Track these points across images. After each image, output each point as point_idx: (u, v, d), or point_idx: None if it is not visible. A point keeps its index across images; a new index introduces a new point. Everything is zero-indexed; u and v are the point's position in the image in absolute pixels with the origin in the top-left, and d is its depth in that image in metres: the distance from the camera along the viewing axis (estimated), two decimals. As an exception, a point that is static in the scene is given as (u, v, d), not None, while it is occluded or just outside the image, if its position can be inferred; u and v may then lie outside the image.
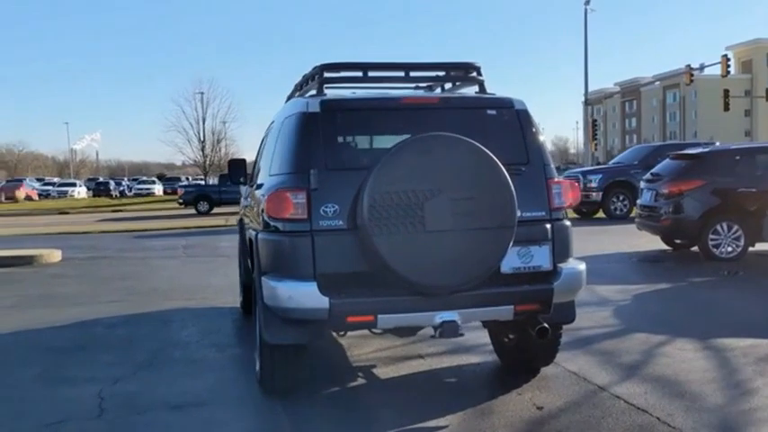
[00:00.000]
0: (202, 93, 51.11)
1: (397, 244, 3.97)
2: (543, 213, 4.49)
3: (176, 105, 52.28)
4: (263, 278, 4.37)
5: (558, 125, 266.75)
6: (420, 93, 5.03)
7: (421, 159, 4.04)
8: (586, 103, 46.78)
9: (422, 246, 3.99)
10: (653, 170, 12.18)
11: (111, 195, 57.45)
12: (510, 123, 4.62)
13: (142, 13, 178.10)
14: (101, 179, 70.67)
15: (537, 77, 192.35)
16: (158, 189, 60.58)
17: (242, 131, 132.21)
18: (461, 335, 4.30)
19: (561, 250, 4.51)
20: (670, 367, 5.20)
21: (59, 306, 8.14)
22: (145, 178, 71.78)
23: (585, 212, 19.51)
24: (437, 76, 5.10)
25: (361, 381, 5.17)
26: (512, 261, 4.37)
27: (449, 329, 4.15)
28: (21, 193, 52.69)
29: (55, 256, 12.17)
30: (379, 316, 4.12)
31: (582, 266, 4.56)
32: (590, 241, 13.74)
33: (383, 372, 5.32)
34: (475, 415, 4.34)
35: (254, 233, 4.95)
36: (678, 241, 11.69)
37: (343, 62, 4.83)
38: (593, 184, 18.82)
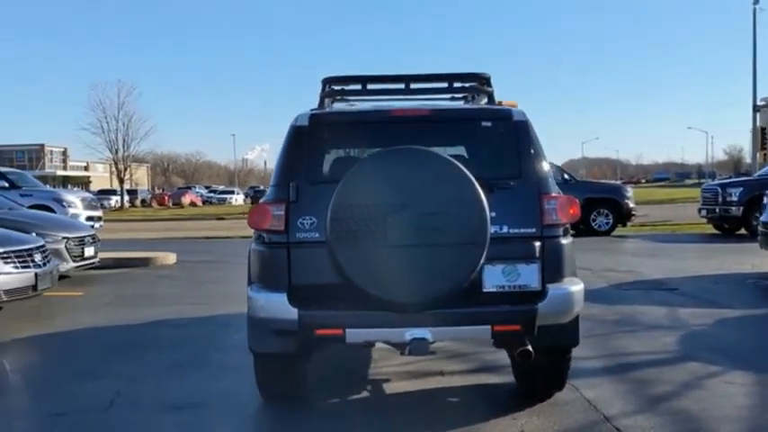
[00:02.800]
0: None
1: (358, 258, 3.92)
2: (534, 230, 4.25)
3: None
4: (247, 288, 4.48)
5: (734, 134, 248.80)
6: (412, 104, 4.93)
7: (386, 173, 3.97)
8: (755, 109, 43.33)
9: (384, 261, 3.91)
10: (775, 184, 11.09)
11: (267, 202, 60.54)
12: (505, 136, 4.43)
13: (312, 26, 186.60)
14: (261, 187, 74.75)
15: (710, 85, 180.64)
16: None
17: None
18: (432, 353, 4.18)
19: (553, 269, 4.24)
20: (701, 401, 4.73)
21: (146, 305, 8.74)
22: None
23: (727, 228, 18.09)
24: (439, 88, 4.99)
25: (366, 394, 5.14)
26: (496, 279, 4.18)
27: (418, 347, 4.03)
28: (186, 200, 57.19)
29: (170, 258, 13.07)
30: (348, 330, 4.09)
31: (575, 288, 4.27)
32: (713, 259, 12.78)
33: (395, 386, 5.24)
34: (452, 437, 4.19)
35: None
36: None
37: (344, 75, 4.86)
38: (733, 198, 17.37)
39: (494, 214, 4.16)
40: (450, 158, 4.03)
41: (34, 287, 7.83)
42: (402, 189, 3.93)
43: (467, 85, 5.00)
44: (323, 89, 4.87)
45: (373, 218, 3.91)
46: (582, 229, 18.53)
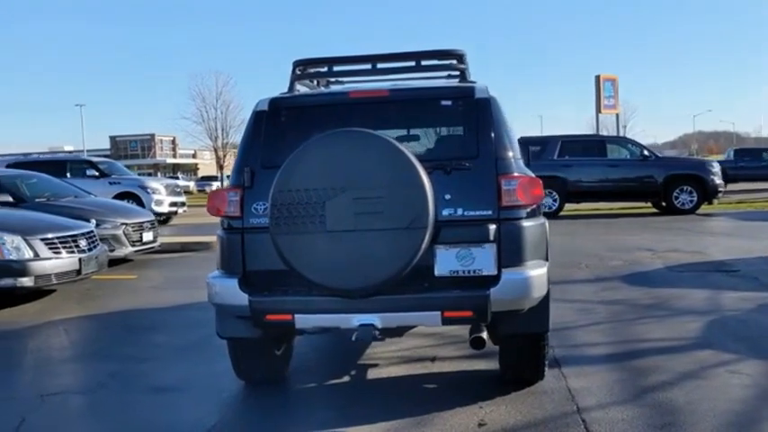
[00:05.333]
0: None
1: (297, 244, 3.88)
2: (490, 212, 4.06)
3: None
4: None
5: None
6: (374, 86, 4.79)
7: (326, 157, 3.90)
8: None
9: (322, 246, 3.86)
10: None
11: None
12: (465, 114, 4.26)
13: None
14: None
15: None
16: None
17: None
18: (381, 339, 4.10)
19: (511, 253, 4.05)
20: (693, 393, 4.43)
21: (187, 288, 8.95)
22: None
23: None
24: (406, 67, 4.83)
25: (347, 379, 5.10)
26: (449, 264, 4.04)
27: (365, 333, 3.96)
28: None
29: (231, 242, 13.39)
30: (297, 316, 4.07)
31: (535, 272, 4.05)
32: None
33: (379, 372, 5.18)
34: (407, 425, 4.09)
35: None
36: None
37: (312, 58, 4.79)
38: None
39: (449, 197, 4.04)
40: (392, 140, 3.92)
41: (78, 271, 8.24)
42: (342, 173, 3.85)
43: (440, 63, 4.82)
44: (293, 72, 4.82)
45: (312, 203, 3.86)
46: (665, 207, 17.72)
